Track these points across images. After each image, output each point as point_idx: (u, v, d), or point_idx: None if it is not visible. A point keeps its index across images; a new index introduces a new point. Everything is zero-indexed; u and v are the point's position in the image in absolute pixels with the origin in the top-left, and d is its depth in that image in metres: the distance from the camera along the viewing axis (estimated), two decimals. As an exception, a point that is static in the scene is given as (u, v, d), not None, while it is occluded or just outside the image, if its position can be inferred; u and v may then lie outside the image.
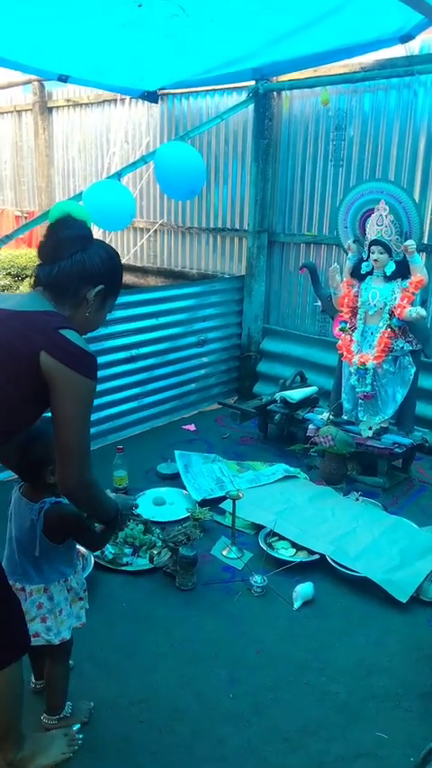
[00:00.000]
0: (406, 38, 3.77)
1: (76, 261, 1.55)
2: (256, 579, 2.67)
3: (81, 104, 6.23)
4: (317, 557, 2.84)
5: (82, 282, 1.56)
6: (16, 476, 1.84)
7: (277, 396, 4.13)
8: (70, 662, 2.03)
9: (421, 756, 1.89)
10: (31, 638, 1.78)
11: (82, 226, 1.60)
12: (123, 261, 5.95)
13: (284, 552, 2.90)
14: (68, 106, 6.36)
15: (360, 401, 3.71)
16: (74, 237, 1.57)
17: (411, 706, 2.12)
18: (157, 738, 1.98)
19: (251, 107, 4.70)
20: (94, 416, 4.40)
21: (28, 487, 1.82)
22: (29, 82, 6.46)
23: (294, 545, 2.93)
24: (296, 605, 2.59)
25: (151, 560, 2.77)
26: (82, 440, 1.51)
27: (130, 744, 1.95)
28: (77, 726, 1.97)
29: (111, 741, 1.96)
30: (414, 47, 3.92)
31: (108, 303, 1.65)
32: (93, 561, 2.69)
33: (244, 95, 4.74)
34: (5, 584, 1.66)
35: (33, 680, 2.10)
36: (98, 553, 2.78)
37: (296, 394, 4.07)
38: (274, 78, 4.59)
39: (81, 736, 1.94)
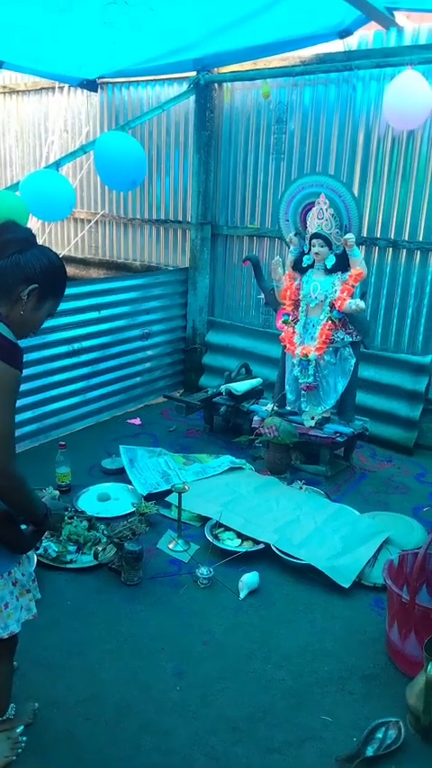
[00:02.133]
0: (344, 33, 3.83)
1: (12, 261, 1.59)
2: (203, 571, 2.68)
3: (18, 91, 6.04)
4: (262, 546, 2.87)
5: (16, 281, 1.60)
6: None
7: (222, 388, 4.15)
8: (14, 663, 1.98)
9: (363, 736, 1.95)
10: None
11: (25, 231, 1.67)
12: (63, 252, 5.86)
13: (230, 543, 2.92)
14: (4, 93, 6.16)
15: (303, 392, 3.76)
16: (14, 240, 1.62)
17: (355, 689, 2.18)
18: (104, 734, 1.96)
19: (192, 98, 4.67)
20: (36, 412, 4.31)
21: None
22: (-38, 66, 6.22)
23: (240, 535, 2.96)
24: (242, 595, 2.62)
25: (96, 557, 2.74)
26: (4, 428, 1.53)
27: (77, 742, 1.93)
28: (21, 728, 1.93)
29: (56, 741, 1.93)
30: (352, 42, 3.98)
31: (45, 305, 1.68)
32: (35, 560, 2.63)
33: (185, 86, 4.71)
34: None
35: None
36: (41, 551, 2.73)
37: (241, 386, 4.09)
38: (216, 70, 4.58)
39: (24, 738, 1.91)
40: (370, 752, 1.91)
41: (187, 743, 1.95)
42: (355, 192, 3.98)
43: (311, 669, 2.26)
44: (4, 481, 1.56)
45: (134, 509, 3.01)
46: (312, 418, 3.68)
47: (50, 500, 1.82)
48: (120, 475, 3.54)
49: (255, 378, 4.29)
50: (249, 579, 2.65)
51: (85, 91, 5.34)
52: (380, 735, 1.97)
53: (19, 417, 3.45)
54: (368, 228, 4.17)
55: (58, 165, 4.16)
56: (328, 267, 3.62)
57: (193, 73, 4.58)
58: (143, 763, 1.87)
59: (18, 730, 1.92)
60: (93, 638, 2.37)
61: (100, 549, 2.75)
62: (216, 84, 4.63)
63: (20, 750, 1.87)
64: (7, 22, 3.63)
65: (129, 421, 4.47)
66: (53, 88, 5.67)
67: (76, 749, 1.91)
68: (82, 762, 1.87)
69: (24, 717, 1.96)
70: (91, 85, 5.20)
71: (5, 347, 1.53)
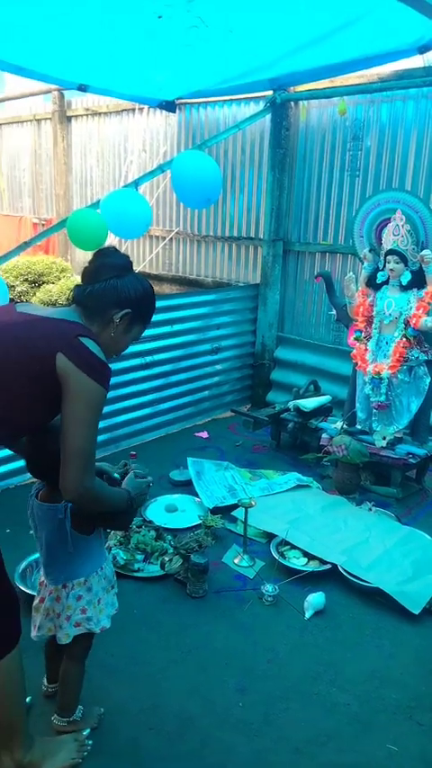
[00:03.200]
0: (424, 48, 3.78)
1: (109, 284, 1.69)
2: (268, 588, 2.66)
3: (100, 113, 6.30)
4: (329, 566, 2.82)
5: (111, 304, 1.68)
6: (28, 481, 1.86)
7: (290, 404, 4.13)
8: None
9: (433, 770, 1.87)
10: (73, 628, 1.83)
11: (124, 258, 1.76)
12: (139, 269, 6.03)
13: (296, 561, 2.89)
14: (87, 115, 6.43)
15: (374, 411, 3.69)
16: (113, 265, 1.72)
17: (424, 719, 2.10)
18: (167, 746, 1.97)
19: (268, 117, 4.72)
20: (108, 422, 4.43)
21: (44, 492, 1.83)
22: (49, 91, 6.56)
23: (306, 554, 2.92)
24: (307, 615, 2.58)
25: (163, 567, 2.77)
26: (85, 443, 1.58)
27: (140, 750, 1.95)
28: (87, 731, 1.97)
29: (120, 747, 1.96)
30: (432, 58, 3.93)
31: (134, 330, 1.77)
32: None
33: (261, 105, 4.77)
34: (2, 573, 1.68)
35: (45, 683, 2.11)
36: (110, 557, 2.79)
37: (310, 403, 4.06)
38: (292, 88, 4.61)
39: (90, 741, 1.94)
40: (439, 787, 1.83)
41: (249, 761, 1.93)
42: (433, 208, 3.90)
43: (378, 696, 2.20)
44: (82, 499, 1.63)
45: (200, 521, 3.03)
46: (384, 438, 3.61)
47: (131, 480, 1.87)
48: (187, 487, 3.58)
49: (323, 395, 4.25)
50: (315, 599, 2.61)
51: (163, 112, 5.50)
52: (450, 770, 1.89)
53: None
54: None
55: (136, 184, 4.30)
56: (404, 284, 3.56)
57: (270, 92, 4.63)
58: (205, 778, 1.87)
59: (84, 733, 1.95)
60: (158, 647, 2.39)
61: (166, 559, 2.78)
62: (292, 103, 4.66)
63: (86, 753, 1.90)
64: (93, 49, 3.81)
65: (196, 434, 4.52)
66: (133, 110, 5.88)
67: (139, 758, 1.92)
68: (144, 770, 1.89)
69: (91, 720, 2.00)
70: (169, 106, 5.35)
71: (97, 367, 1.59)
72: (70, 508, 1.77)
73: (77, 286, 1.74)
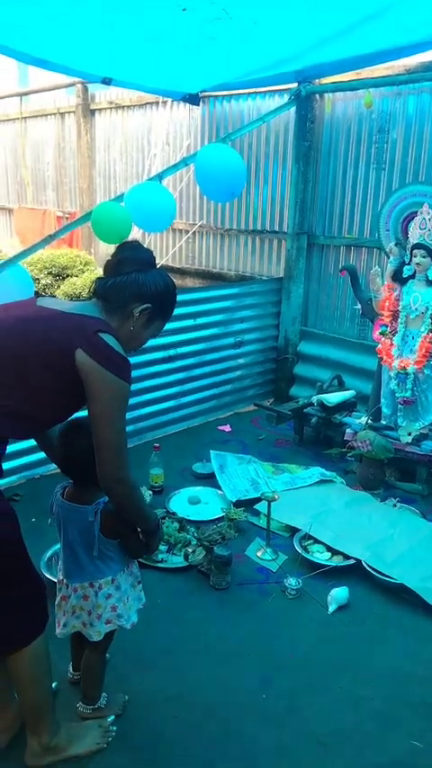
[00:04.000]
0: (453, 39, 3.71)
1: (131, 278, 1.68)
2: (291, 582, 2.66)
3: (123, 107, 6.31)
4: (352, 561, 2.81)
5: (131, 298, 1.68)
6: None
7: (314, 399, 4.11)
8: (107, 655, 2.06)
9: (458, 767, 1.86)
10: (105, 626, 1.85)
11: (147, 252, 1.76)
12: (162, 262, 6.04)
13: (320, 556, 2.88)
14: (111, 108, 6.45)
15: (399, 406, 3.66)
16: (136, 259, 1.72)
17: (448, 716, 2.09)
18: (190, 735, 1.99)
19: (293, 109, 4.69)
20: (131, 414, 4.45)
21: (73, 491, 1.84)
22: (72, 84, 6.58)
23: (330, 549, 2.91)
24: (331, 609, 2.58)
25: (186, 558, 2.79)
26: (114, 438, 1.60)
27: (163, 738, 1.97)
28: (112, 717, 1.99)
29: (144, 735, 1.98)
30: (461, 48, 3.86)
31: (154, 325, 1.77)
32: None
33: (286, 98, 4.73)
34: (28, 561, 1.71)
35: (71, 670, 2.14)
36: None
37: (333, 397, 4.04)
38: (317, 81, 4.57)
39: (115, 728, 1.97)
40: (464, 784, 1.82)
41: (272, 752, 1.94)
42: (461, 201, 3.84)
43: (402, 692, 2.19)
44: (120, 487, 1.65)
45: (223, 514, 3.04)
46: (409, 434, 3.57)
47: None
48: (210, 479, 3.59)
49: (348, 390, 4.22)
50: (339, 594, 2.60)
51: (187, 105, 5.49)
52: None
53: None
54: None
55: (160, 177, 4.29)
56: (430, 278, 3.51)
57: (295, 84, 4.60)
58: (229, 768, 1.88)
59: (109, 720, 1.98)
60: (182, 638, 2.41)
61: (190, 550, 2.80)
62: (317, 95, 4.62)
63: (110, 738, 1.93)
64: (117, 42, 3.81)
65: (219, 427, 4.52)
66: (157, 103, 5.87)
67: (163, 745, 1.94)
68: (169, 758, 1.91)
69: (115, 707, 2.03)
70: (193, 99, 5.34)
71: (114, 360, 1.60)
72: (102, 511, 1.77)
73: (99, 279, 1.74)
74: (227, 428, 4.51)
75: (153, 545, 1.90)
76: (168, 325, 4.70)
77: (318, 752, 1.95)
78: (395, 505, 3.32)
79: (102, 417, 1.60)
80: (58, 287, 6.08)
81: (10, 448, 1.77)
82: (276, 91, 4.88)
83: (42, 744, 1.82)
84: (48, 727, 1.83)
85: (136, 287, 1.68)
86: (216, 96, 5.34)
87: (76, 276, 6.14)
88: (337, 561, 2.84)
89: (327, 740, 1.99)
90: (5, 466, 1.75)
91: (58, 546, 2.58)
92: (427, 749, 1.96)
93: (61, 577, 1.91)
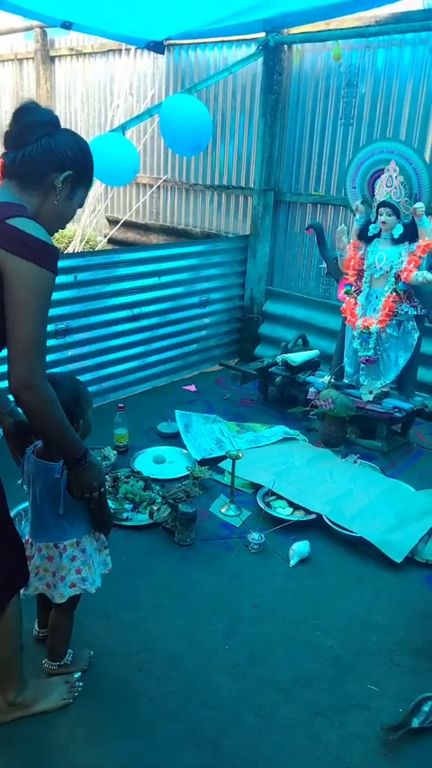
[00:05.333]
0: (424, -11, 3.64)
1: (42, 145, 1.48)
2: (254, 536, 2.71)
3: (84, 54, 6.04)
4: (313, 516, 2.88)
5: (48, 168, 1.50)
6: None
7: (279, 358, 4.13)
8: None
9: (410, 707, 1.95)
10: (69, 589, 1.85)
11: (48, 112, 1.56)
12: (126, 217, 5.88)
13: (282, 511, 2.94)
14: (71, 55, 6.17)
15: (362, 365, 3.70)
16: (40, 122, 1.52)
17: (403, 661, 2.18)
18: (155, 686, 2.03)
19: (260, 60, 4.56)
20: (95, 374, 4.39)
21: (40, 448, 1.82)
22: (31, 28, 6.27)
23: (292, 504, 2.97)
24: (292, 563, 2.64)
25: (151, 516, 2.81)
26: (32, 334, 1.40)
27: (129, 691, 2.01)
28: (78, 674, 2.02)
29: (110, 688, 2.01)
30: None
31: (77, 194, 1.59)
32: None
33: (253, 48, 4.60)
34: (7, 519, 1.69)
35: (37, 627, 2.16)
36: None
37: (298, 357, 4.06)
38: (285, 31, 4.45)
39: (81, 684, 1.99)
40: (416, 723, 1.91)
41: (235, 700, 2.00)
42: (427, 158, 3.83)
43: (360, 639, 2.27)
44: (29, 395, 1.41)
45: (188, 473, 3.06)
46: (371, 392, 3.63)
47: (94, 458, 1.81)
48: (175, 439, 3.60)
49: (312, 349, 4.25)
50: (300, 548, 2.67)
51: (151, 53, 5.29)
52: (426, 708, 1.96)
53: (80, 378, 3.54)
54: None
55: (123, 128, 4.16)
56: (396, 237, 3.52)
57: (263, 34, 4.46)
58: (192, 717, 1.94)
59: (75, 675, 2.01)
60: (146, 593, 2.44)
61: (155, 508, 2.82)
62: (285, 46, 4.50)
63: (76, 693, 1.95)
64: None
65: (184, 387, 4.52)
66: (120, 50, 5.64)
67: (128, 697, 1.98)
68: (134, 709, 1.95)
69: (81, 663, 2.05)
70: (158, 47, 5.14)
71: (33, 247, 1.39)
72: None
73: (4, 154, 1.51)
74: (192, 388, 4.50)
75: (84, 484, 1.67)
76: (132, 283, 4.61)
77: (278, 697, 2.02)
78: (356, 462, 3.40)
79: (20, 311, 1.39)
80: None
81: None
82: (244, 40, 4.73)
83: (9, 700, 1.84)
84: (15, 683, 1.84)
85: (50, 154, 1.48)
86: (182, 45, 5.15)
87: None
88: (298, 516, 2.90)
89: (287, 686, 2.06)
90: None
91: (23, 505, 2.59)
92: (383, 692, 2.05)
93: (28, 537, 1.90)
